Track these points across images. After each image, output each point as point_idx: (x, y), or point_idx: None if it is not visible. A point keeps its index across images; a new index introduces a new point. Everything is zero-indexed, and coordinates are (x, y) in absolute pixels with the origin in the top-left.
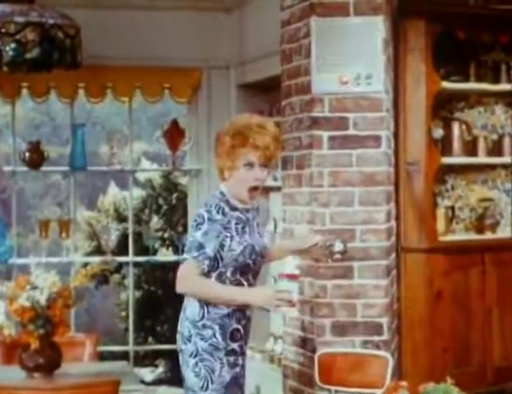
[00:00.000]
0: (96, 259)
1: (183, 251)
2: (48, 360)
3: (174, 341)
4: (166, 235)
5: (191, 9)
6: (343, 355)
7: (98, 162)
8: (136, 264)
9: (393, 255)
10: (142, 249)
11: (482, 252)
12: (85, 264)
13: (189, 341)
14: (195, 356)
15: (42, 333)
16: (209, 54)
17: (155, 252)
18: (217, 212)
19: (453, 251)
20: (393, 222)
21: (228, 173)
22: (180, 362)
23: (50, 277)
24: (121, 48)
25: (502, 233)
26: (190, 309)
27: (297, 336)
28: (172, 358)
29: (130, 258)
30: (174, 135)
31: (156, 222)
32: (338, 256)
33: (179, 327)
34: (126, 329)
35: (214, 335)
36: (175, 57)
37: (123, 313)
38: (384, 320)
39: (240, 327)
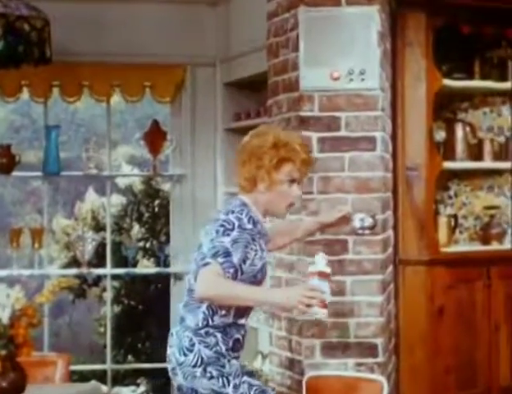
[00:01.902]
0: (72, 272)
1: (164, 263)
2: (12, 384)
3: (156, 359)
4: (148, 245)
5: (174, 1)
6: (334, 379)
7: (81, 167)
8: (115, 277)
9: (390, 269)
10: (122, 261)
11: (488, 264)
12: (63, 277)
13: (191, 351)
14: (200, 364)
15: (4, 354)
16: (193, 50)
17: (135, 263)
18: (248, 221)
19: (456, 263)
20: (390, 233)
21: (266, 186)
22: (180, 377)
23: (14, 292)
24: (99, 43)
25: (509, 244)
26: (191, 317)
27: (284, 356)
28: (155, 377)
29: (108, 270)
30: (155, 137)
31: (137, 230)
32: (367, 231)
33: (174, 341)
34: (105, 346)
35: (217, 343)
36: (156, 53)
37: (102, 329)
38: (379, 341)
39: (240, 337)
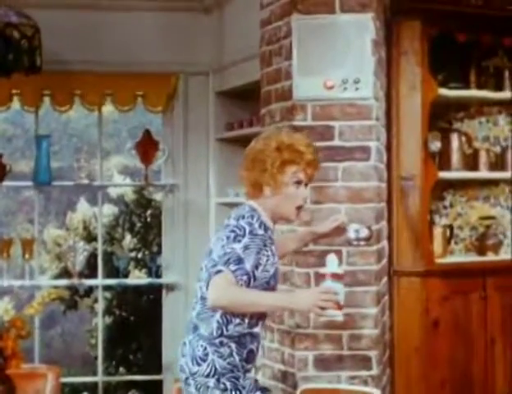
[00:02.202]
0: (63, 283)
1: (156, 274)
2: None
3: (148, 371)
4: (140, 255)
5: (166, 9)
6: (327, 392)
7: (74, 177)
8: (107, 288)
9: (384, 280)
10: (113, 271)
11: (484, 275)
12: (54, 288)
13: (204, 360)
14: (214, 375)
15: None
16: (186, 58)
17: (127, 274)
18: (260, 226)
19: (451, 275)
20: (385, 243)
21: (272, 190)
22: (193, 387)
23: (2, 304)
24: (90, 52)
25: (505, 255)
26: (205, 326)
27: (277, 369)
28: (147, 389)
29: (100, 280)
30: (146, 146)
31: (129, 241)
32: (362, 243)
33: (187, 350)
34: (97, 358)
35: (231, 354)
36: (148, 61)
37: (94, 341)
38: (373, 353)
39: (254, 348)
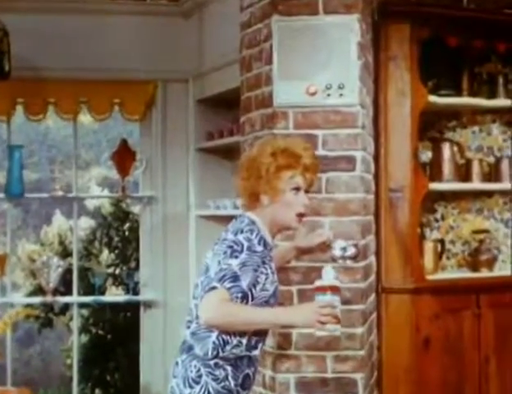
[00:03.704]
0: (37, 300)
1: (134, 291)
2: None
3: (125, 392)
4: (117, 271)
5: (144, 13)
6: None
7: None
8: (83, 305)
9: (372, 297)
10: (90, 288)
11: (477, 292)
12: (28, 306)
13: (197, 382)
14: None
15: None
16: (165, 65)
17: (103, 291)
18: (259, 242)
19: (443, 291)
20: (372, 259)
21: (269, 198)
22: None
23: None
24: (64, 58)
25: (500, 271)
26: (201, 346)
27: (258, 393)
28: None
29: (75, 298)
30: (123, 157)
31: (106, 256)
32: (348, 261)
33: (179, 371)
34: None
35: (227, 377)
36: (125, 68)
37: (69, 361)
38: (359, 376)
39: (250, 373)
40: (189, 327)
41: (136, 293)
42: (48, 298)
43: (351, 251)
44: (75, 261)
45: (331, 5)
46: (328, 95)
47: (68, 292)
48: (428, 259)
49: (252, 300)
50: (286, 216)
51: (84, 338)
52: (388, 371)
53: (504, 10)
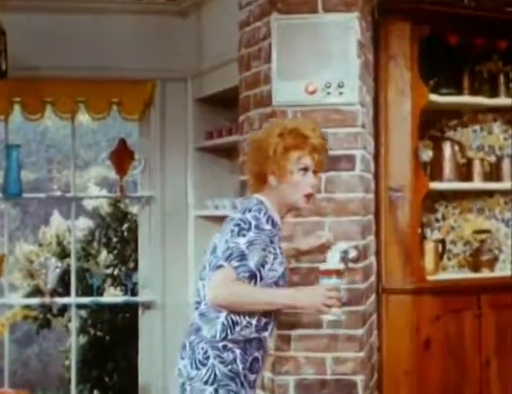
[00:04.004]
0: (35, 301)
1: (132, 292)
2: None
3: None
4: (116, 272)
5: (142, 12)
6: None
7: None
8: (82, 306)
9: (372, 298)
10: (88, 289)
11: (478, 293)
12: (26, 307)
13: (204, 365)
14: (213, 383)
15: None
16: (163, 64)
17: (101, 292)
18: (267, 221)
19: (444, 292)
20: (372, 259)
21: (277, 179)
22: (188, 393)
23: None
24: (62, 57)
25: (501, 271)
26: (209, 327)
27: None
28: None
29: (73, 299)
30: (122, 156)
31: (105, 257)
32: (349, 264)
33: (187, 352)
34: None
35: (235, 360)
36: (123, 67)
37: (68, 362)
38: (359, 378)
39: (259, 356)
40: (197, 308)
41: (135, 294)
42: (46, 299)
43: (353, 254)
44: (73, 262)
45: (331, 3)
46: (328, 94)
47: (66, 293)
48: (429, 260)
49: (260, 281)
50: (294, 196)
51: (83, 339)
52: (388, 373)
53: (505, 8)
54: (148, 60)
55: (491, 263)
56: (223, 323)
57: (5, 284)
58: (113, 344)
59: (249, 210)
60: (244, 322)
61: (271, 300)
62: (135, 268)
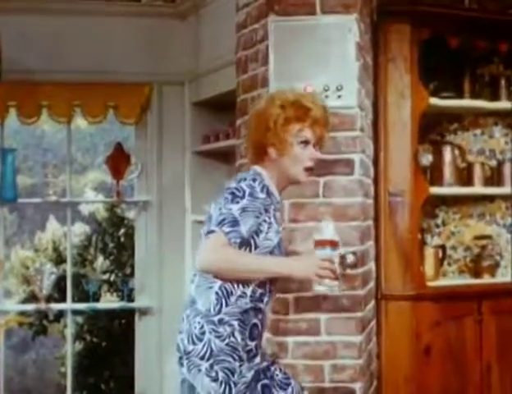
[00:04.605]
0: (31, 307)
1: (129, 298)
2: None
3: None
4: (112, 277)
5: (139, 15)
6: None
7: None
8: (78, 312)
9: (371, 305)
10: (85, 295)
11: (479, 299)
12: (21, 313)
13: (201, 340)
14: (209, 358)
15: None
16: (160, 67)
17: (98, 298)
18: (261, 190)
19: (444, 298)
20: (371, 265)
21: (277, 152)
22: (185, 368)
23: None
24: (58, 60)
25: (502, 277)
26: (203, 300)
27: None
28: None
29: (69, 305)
30: (118, 161)
31: (101, 262)
32: (347, 270)
33: (185, 326)
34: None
35: (233, 333)
36: (120, 70)
37: (64, 369)
38: (357, 385)
39: (258, 322)
40: (193, 281)
41: (131, 300)
42: (42, 305)
43: (350, 259)
44: (68, 267)
45: (329, 4)
46: (326, 97)
47: (62, 299)
48: (429, 266)
49: (255, 249)
50: (294, 169)
51: (79, 346)
52: (388, 380)
53: (507, 10)
54: (144, 63)
55: (492, 268)
56: (217, 293)
57: (0, 290)
58: (110, 350)
59: (245, 179)
60: (239, 292)
61: (261, 267)
62: (132, 274)
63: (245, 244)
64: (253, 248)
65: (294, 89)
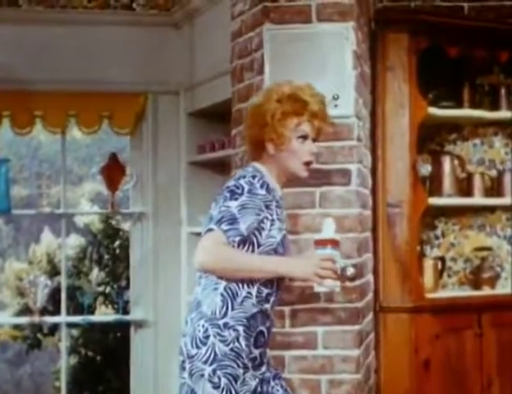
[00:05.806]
0: (24, 320)
1: (124, 310)
2: None
3: None
4: (108, 289)
5: (133, 24)
6: None
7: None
8: (73, 325)
9: (369, 317)
10: (79, 307)
11: (479, 311)
12: (15, 326)
13: (204, 343)
14: (212, 363)
15: None
16: (155, 76)
17: (93, 310)
18: (261, 186)
19: (443, 311)
20: (370, 277)
21: (275, 147)
22: (187, 373)
23: None
24: (51, 70)
25: (502, 289)
26: (209, 302)
27: None
28: None
29: (63, 317)
30: (113, 171)
31: (96, 274)
32: (346, 282)
33: (188, 329)
34: None
35: (237, 339)
36: (114, 80)
37: (59, 383)
38: None
39: (264, 329)
40: (199, 284)
41: (126, 312)
42: (36, 318)
43: (350, 272)
44: (63, 280)
45: (325, 12)
46: None
47: (57, 312)
48: (428, 277)
49: (258, 247)
50: (293, 165)
51: (74, 360)
52: None
53: (506, 19)
54: (139, 73)
55: (493, 280)
56: (222, 295)
57: None
58: (105, 364)
59: (244, 176)
60: (244, 293)
61: (260, 266)
62: (127, 286)
63: (247, 242)
64: (255, 246)
65: (291, 82)
